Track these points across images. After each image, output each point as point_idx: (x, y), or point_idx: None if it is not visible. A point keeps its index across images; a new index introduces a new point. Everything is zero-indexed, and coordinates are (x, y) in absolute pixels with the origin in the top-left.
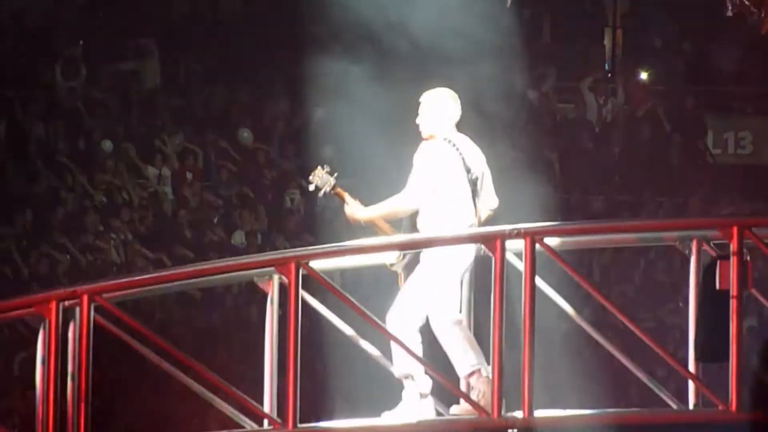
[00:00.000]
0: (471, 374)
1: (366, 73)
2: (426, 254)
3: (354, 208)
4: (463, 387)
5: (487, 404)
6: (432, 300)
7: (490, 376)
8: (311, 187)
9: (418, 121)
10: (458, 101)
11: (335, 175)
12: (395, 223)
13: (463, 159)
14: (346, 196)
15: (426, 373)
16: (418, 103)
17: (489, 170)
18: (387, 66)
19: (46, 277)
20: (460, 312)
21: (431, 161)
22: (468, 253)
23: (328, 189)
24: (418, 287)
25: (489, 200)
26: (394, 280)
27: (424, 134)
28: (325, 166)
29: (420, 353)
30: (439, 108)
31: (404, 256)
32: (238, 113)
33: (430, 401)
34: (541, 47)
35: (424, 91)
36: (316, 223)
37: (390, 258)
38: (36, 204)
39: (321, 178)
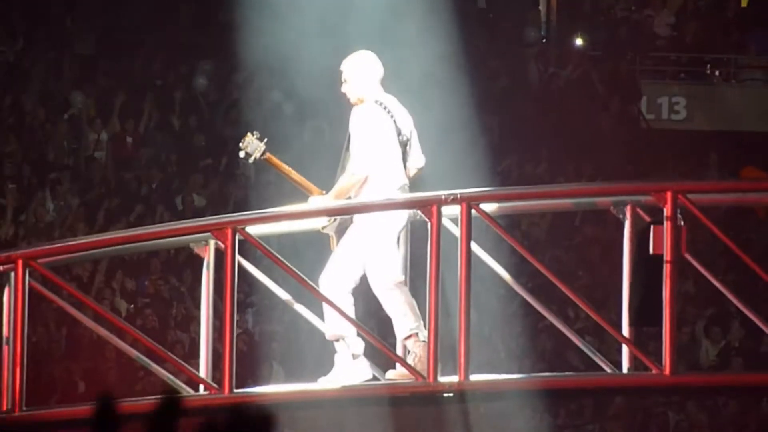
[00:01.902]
0: (408, 337)
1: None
2: (358, 217)
3: (321, 199)
4: (400, 350)
5: (423, 369)
6: (371, 263)
7: (425, 341)
8: (241, 154)
9: (343, 89)
10: (379, 61)
11: (265, 141)
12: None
13: (394, 120)
14: (277, 161)
15: (358, 335)
16: (340, 73)
17: (415, 130)
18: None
19: None
20: (402, 275)
21: (370, 126)
22: (402, 215)
23: (258, 155)
24: (351, 250)
25: (417, 159)
26: (327, 243)
27: (352, 100)
28: (255, 133)
29: (352, 315)
30: (363, 71)
31: (335, 219)
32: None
33: (365, 364)
34: (476, 12)
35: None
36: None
37: (321, 221)
38: None
39: (251, 145)
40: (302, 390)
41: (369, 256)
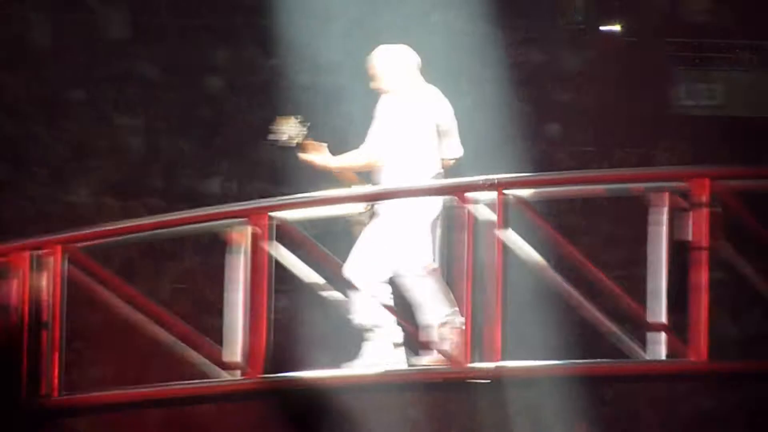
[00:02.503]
0: (442, 324)
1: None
2: (384, 206)
3: (318, 156)
4: (434, 338)
5: (458, 354)
6: (401, 251)
7: (462, 327)
8: (283, 137)
9: (373, 85)
10: (411, 52)
11: (308, 125)
12: (363, 175)
13: (427, 110)
14: (317, 147)
15: (397, 323)
16: (368, 68)
17: (455, 120)
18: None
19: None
20: (434, 262)
21: (389, 114)
22: (433, 202)
23: (295, 141)
24: (379, 237)
25: (454, 150)
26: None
27: (383, 91)
28: (297, 116)
29: (390, 303)
30: (393, 64)
31: (372, 206)
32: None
33: (402, 352)
34: None
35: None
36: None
37: (358, 208)
38: None
39: (293, 128)
40: (335, 375)
41: (398, 243)
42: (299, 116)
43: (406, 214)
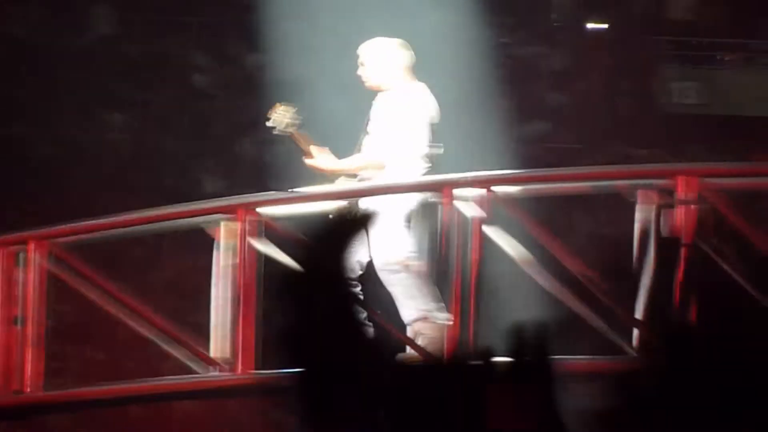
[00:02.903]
0: (417, 320)
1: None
2: (364, 201)
3: (325, 160)
4: (409, 333)
5: (436, 351)
6: (374, 244)
7: (445, 323)
8: (272, 123)
9: (359, 72)
10: (407, 48)
11: (301, 117)
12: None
13: (424, 107)
14: (307, 140)
15: (369, 319)
16: (357, 56)
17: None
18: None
19: None
20: (412, 258)
21: (400, 114)
22: (410, 198)
23: (290, 129)
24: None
25: (437, 146)
26: None
27: (367, 84)
28: (291, 103)
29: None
30: (382, 58)
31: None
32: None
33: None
34: None
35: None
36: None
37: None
38: None
39: (284, 115)
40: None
41: (373, 238)
42: (294, 105)
43: (381, 207)
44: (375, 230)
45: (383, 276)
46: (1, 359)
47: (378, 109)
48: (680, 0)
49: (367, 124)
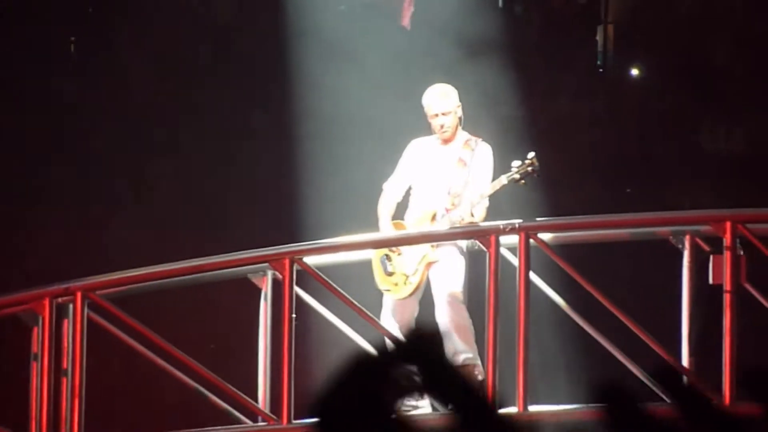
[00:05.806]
0: (465, 365)
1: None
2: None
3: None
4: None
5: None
6: (448, 271)
7: (482, 374)
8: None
9: (443, 121)
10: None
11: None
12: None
13: None
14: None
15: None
16: (438, 106)
17: None
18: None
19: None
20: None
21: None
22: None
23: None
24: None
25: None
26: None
27: (458, 135)
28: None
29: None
30: (459, 104)
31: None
32: None
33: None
34: (531, 43)
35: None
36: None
37: (424, 249)
38: None
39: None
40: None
41: (449, 264)
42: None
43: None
44: (453, 258)
45: (445, 305)
46: (50, 410)
47: (483, 160)
48: (717, 45)
49: (454, 168)
